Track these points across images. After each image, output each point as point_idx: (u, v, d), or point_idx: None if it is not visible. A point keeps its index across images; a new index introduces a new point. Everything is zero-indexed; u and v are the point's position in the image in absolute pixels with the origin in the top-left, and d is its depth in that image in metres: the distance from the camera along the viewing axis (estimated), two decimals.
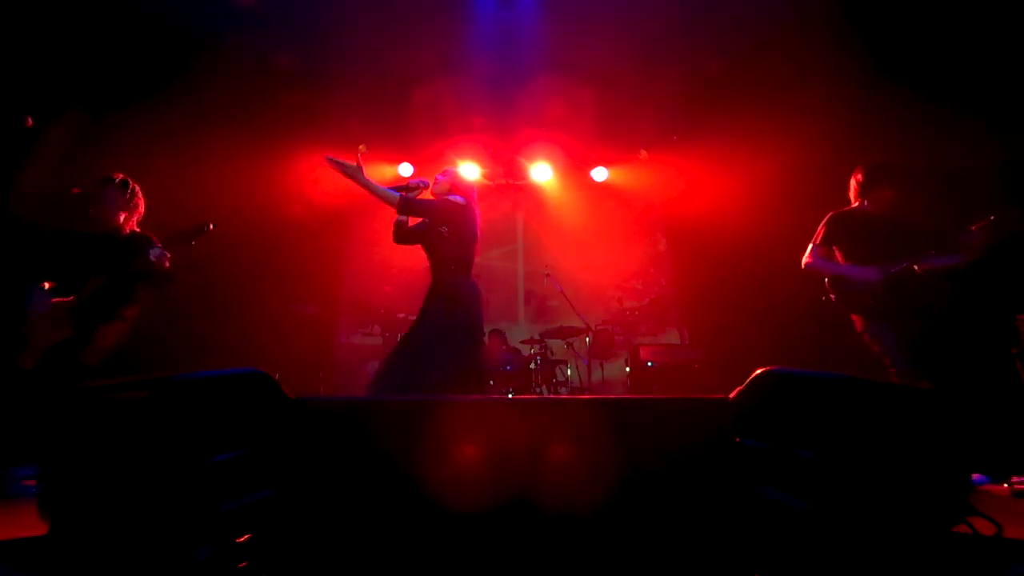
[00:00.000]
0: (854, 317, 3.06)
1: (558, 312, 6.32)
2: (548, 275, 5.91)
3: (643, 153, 6.59)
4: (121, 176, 2.96)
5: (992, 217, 2.53)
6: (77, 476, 1.24)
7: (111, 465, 1.24)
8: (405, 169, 6.49)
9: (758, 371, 1.51)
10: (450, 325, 2.80)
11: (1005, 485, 2.47)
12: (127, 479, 1.23)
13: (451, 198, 2.98)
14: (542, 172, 6.64)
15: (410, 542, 1.48)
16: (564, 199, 6.88)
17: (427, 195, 3.08)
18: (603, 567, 1.43)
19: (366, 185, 2.86)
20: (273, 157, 5.28)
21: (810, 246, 3.17)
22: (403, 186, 2.98)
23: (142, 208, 3.01)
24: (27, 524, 1.53)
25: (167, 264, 2.84)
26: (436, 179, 3.10)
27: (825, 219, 3.17)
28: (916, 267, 2.81)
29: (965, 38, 3.76)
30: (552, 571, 1.44)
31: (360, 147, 6.25)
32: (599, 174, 6.70)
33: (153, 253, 2.77)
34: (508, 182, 6.97)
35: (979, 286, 3.44)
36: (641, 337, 5.90)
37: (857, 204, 3.17)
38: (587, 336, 5.73)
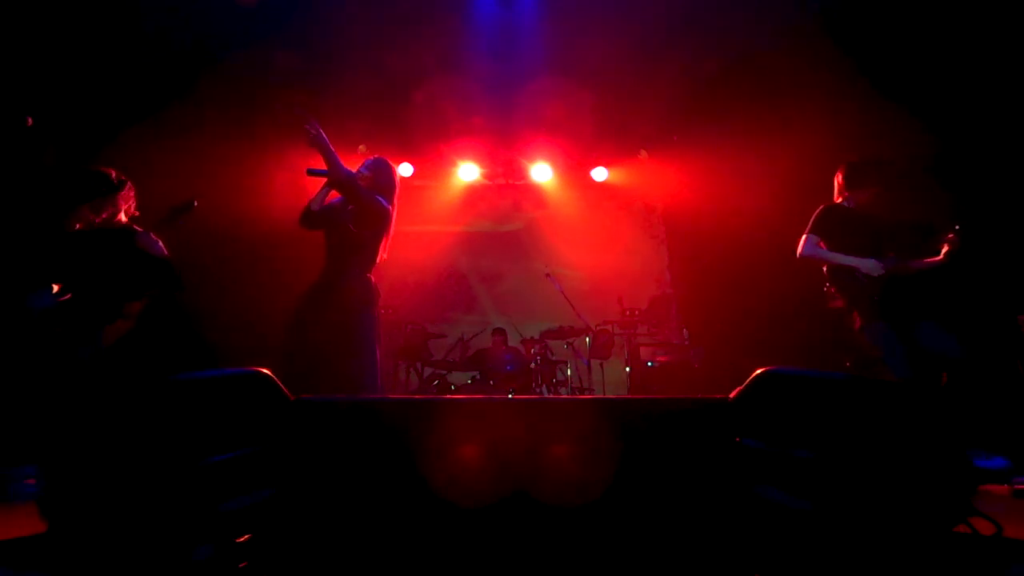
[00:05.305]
0: (855, 313, 3.01)
1: (558, 312, 6.31)
2: (548, 275, 5.90)
3: (643, 153, 6.59)
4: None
5: (957, 227, 2.79)
6: (77, 476, 1.24)
7: (111, 465, 1.24)
8: (405, 169, 6.49)
9: (758, 371, 1.51)
10: (357, 322, 2.80)
11: (1005, 485, 2.47)
12: (127, 479, 1.23)
13: (380, 199, 2.90)
14: (542, 172, 6.64)
15: (409, 541, 1.48)
16: (564, 199, 6.88)
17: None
18: (603, 568, 1.43)
19: (328, 151, 2.85)
20: (273, 157, 5.28)
21: (804, 236, 3.12)
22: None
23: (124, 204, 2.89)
24: (27, 524, 1.53)
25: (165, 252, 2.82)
26: (359, 171, 2.98)
27: (817, 210, 3.17)
28: (908, 265, 2.91)
29: (953, 47, 3.83)
30: (553, 572, 1.44)
31: (360, 147, 6.25)
32: (599, 174, 6.70)
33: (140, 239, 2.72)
34: (508, 182, 6.96)
35: (979, 287, 3.45)
36: (641, 337, 5.89)
37: (841, 200, 3.19)
38: (587, 336, 5.72)
